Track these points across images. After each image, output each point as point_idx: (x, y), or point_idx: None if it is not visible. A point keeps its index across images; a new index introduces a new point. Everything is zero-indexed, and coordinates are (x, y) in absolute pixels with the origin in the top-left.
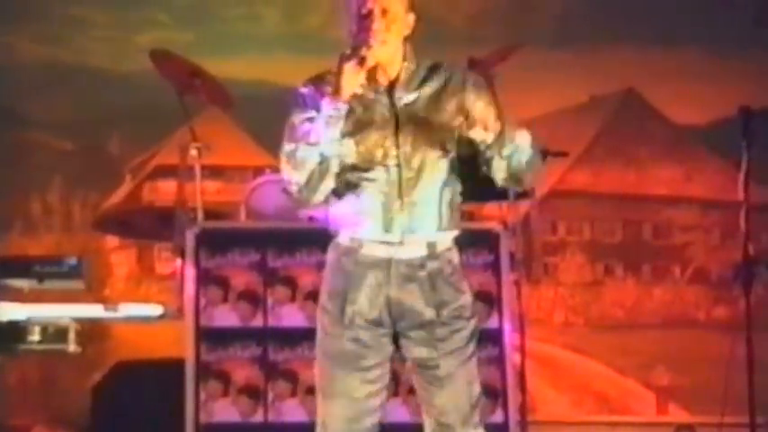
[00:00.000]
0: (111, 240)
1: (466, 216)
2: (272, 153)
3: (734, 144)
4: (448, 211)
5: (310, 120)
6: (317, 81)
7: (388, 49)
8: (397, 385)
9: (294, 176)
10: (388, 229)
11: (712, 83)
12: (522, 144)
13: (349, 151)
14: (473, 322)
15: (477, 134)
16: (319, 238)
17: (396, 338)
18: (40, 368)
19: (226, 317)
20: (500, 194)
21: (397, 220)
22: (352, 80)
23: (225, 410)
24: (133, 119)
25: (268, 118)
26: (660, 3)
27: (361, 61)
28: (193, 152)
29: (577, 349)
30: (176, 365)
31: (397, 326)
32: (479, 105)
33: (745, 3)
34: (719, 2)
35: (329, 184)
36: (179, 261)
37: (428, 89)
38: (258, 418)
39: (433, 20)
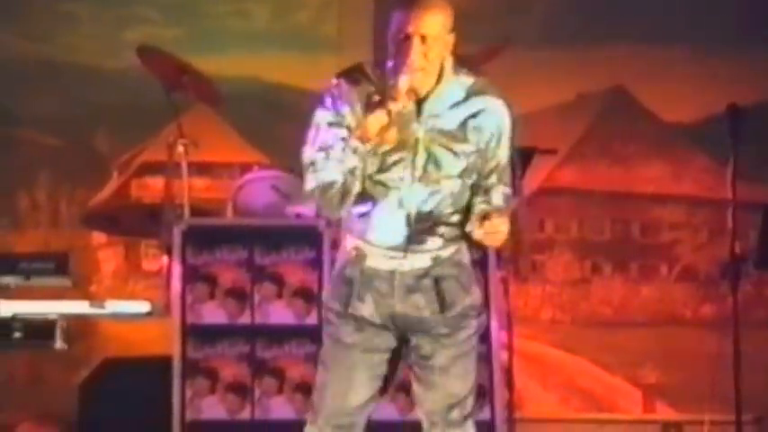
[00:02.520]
0: (98, 237)
1: None
2: (260, 150)
3: (722, 142)
4: (455, 228)
5: (335, 125)
6: (350, 75)
7: (422, 76)
8: None
9: (316, 193)
10: (393, 244)
11: (700, 81)
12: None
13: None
14: (477, 322)
15: (482, 183)
16: (307, 235)
17: (403, 339)
18: (26, 365)
19: (213, 314)
20: None
21: (402, 237)
22: (378, 126)
23: (212, 408)
24: (120, 115)
25: (256, 115)
26: (648, 1)
27: (389, 112)
28: (181, 149)
29: (565, 347)
30: (163, 362)
31: (402, 332)
32: (496, 161)
33: (733, 1)
34: (707, 0)
35: (349, 204)
36: (166, 258)
37: (459, 112)
38: (245, 415)
39: None
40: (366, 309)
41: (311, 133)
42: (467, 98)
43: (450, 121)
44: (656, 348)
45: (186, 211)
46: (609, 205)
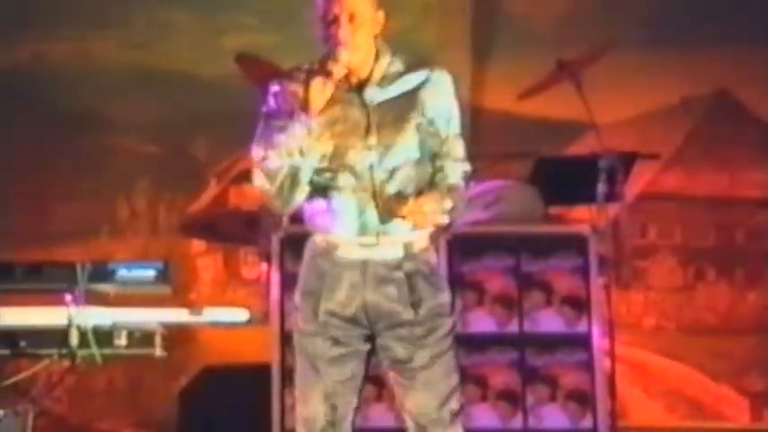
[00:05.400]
0: (197, 244)
1: (554, 219)
2: None
3: None
4: None
5: (278, 125)
6: (285, 78)
7: (358, 54)
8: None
9: (265, 186)
10: (363, 230)
11: None
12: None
13: (319, 158)
14: (451, 320)
15: (432, 137)
16: None
17: (372, 339)
18: (126, 373)
19: None
20: (589, 197)
21: (371, 221)
22: (320, 95)
23: None
24: (218, 122)
25: None
26: (752, 2)
27: (329, 75)
28: None
29: (669, 354)
30: (263, 370)
31: (374, 327)
32: (446, 132)
33: None
34: None
35: (301, 193)
36: (265, 265)
37: (403, 86)
38: None
39: (520, 20)
40: (337, 299)
41: (258, 131)
42: (407, 71)
43: (396, 97)
44: (763, 356)
45: (285, 219)
46: (713, 210)
